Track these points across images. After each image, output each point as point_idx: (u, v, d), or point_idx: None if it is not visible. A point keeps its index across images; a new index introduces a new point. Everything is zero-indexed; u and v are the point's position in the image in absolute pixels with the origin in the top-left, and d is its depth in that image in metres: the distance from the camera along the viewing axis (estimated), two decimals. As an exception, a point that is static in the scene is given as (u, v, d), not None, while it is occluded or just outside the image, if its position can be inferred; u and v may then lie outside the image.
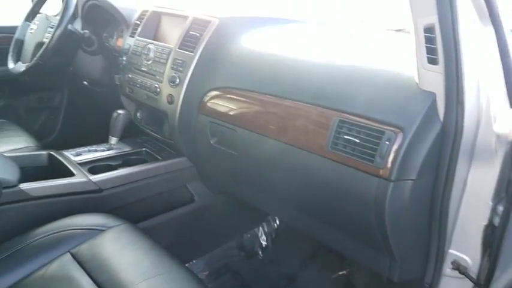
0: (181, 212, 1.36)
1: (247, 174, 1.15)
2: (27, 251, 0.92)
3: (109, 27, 1.63)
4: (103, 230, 0.99)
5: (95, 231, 0.98)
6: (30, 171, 1.20)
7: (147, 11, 1.44)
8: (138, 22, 1.44)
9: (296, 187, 1.01)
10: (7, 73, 1.54)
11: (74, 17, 1.83)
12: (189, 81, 1.18)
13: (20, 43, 1.56)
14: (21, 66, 1.46)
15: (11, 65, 1.51)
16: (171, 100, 1.22)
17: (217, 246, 1.51)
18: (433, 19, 0.73)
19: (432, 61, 0.76)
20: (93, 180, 1.15)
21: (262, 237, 1.71)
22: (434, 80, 0.77)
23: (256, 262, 1.62)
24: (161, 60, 1.27)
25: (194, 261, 1.46)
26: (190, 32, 1.22)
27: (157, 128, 1.38)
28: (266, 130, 1.00)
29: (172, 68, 1.23)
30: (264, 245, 1.67)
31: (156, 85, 1.27)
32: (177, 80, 1.20)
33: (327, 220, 1.01)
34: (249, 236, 1.65)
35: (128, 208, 1.21)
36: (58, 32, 1.36)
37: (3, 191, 0.97)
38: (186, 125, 1.23)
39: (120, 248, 0.95)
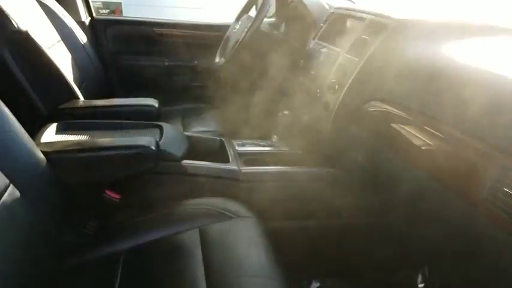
0: (323, 225, 1.30)
1: (392, 202, 1.00)
2: (170, 216, 1.06)
3: (309, 30, 1.68)
4: (232, 217, 1.05)
5: (226, 216, 1.05)
6: (202, 151, 1.39)
7: (333, 13, 1.42)
8: (322, 25, 1.43)
9: (440, 235, 0.81)
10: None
11: (281, 20, 1.99)
12: (347, 89, 1.11)
13: (227, 40, 1.80)
14: (221, 61, 1.69)
15: (216, 59, 1.76)
16: (326, 107, 1.17)
17: (358, 273, 1.37)
18: None
19: None
20: (243, 170, 1.23)
21: (421, 284, 1.45)
22: None
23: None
24: (328, 65, 1.23)
25: (332, 279, 1.37)
26: (362, 36, 1.13)
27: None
28: (411, 157, 0.84)
29: (334, 74, 1.17)
30: (420, 293, 1.42)
31: (318, 90, 1.24)
32: (336, 86, 1.14)
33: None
34: (403, 274, 1.44)
35: (267, 204, 1.24)
36: (250, 32, 1.50)
37: (170, 163, 1.16)
38: (337, 136, 1.16)
39: (239, 238, 0.98)
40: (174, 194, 1.16)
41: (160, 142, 1.18)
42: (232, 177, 1.21)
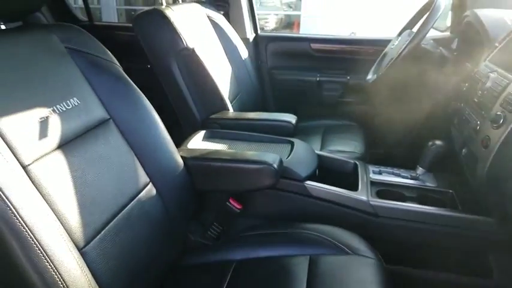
0: (467, 283, 1.08)
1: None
2: (284, 237, 1.04)
3: (482, 49, 1.43)
4: (349, 253, 0.96)
5: (342, 250, 0.97)
6: (332, 173, 1.33)
7: (514, 30, 1.15)
8: (497, 44, 1.18)
9: None
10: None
11: (454, 36, 1.75)
12: (516, 125, 0.88)
13: (384, 56, 1.67)
14: (372, 78, 1.58)
15: (369, 75, 1.66)
16: (486, 144, 0.95)
17: None
18: None
19: None
20: (371, 202, 1.12)
21: None
22: None
23: None
24: (494, 93, 1.00)
25: None
26: (545, 61, 0.88)
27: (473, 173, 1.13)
28: None
29: (501, 105, 0.94)
30: None
31: (478, 122, 1.02)
32: (501, 120, 0.91)
33: None
34: None
35: (395, 245, 1.10)
36: (408, 48, 1.36)
37: (293, 182, 1.15)
38: (497, 179, 0.93)
39: (351, 280, 0.89)
40: (293, 214, 1.15)
41: (286, 159, 1.17)
42: (358, 208, 1.12)
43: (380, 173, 1.28)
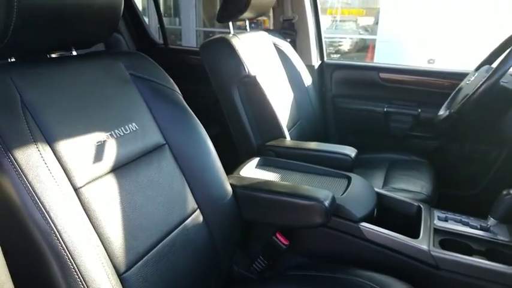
0: None
1: None
2: (332, 282, 0.97)
3: None
4: None
5: None
6: (392, 215, 1.23)
7: None
8: None
9: None
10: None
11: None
12: None
13: (459, 91, 1.54)
14: (444, 114, 1.46)
15: (441, 110, 1.53)
16: None
17: None
18: None
19: None
20: (433, 252, 1.01)
21: None
22: None
23: None
24: None
25: None
26: None
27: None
28: None
29: None
30: None
31: None
32: None
33: None
34: None
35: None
36: (485, 85, 1.24)
37: (346, 222, 1.08)
38: None
39: None
40: (344, 256, 1.07)
41: (341, 196, 1.12)
42: (417, 258, 1.01)
43: (446, 219, 1.16)
